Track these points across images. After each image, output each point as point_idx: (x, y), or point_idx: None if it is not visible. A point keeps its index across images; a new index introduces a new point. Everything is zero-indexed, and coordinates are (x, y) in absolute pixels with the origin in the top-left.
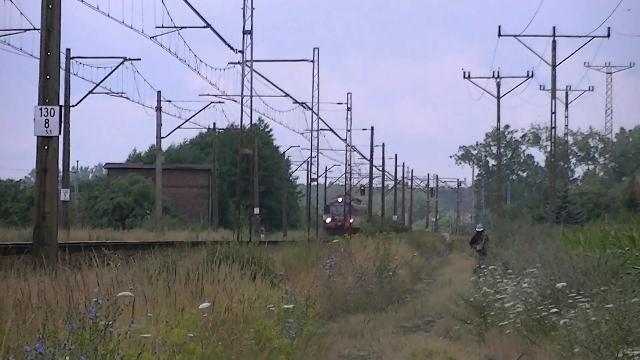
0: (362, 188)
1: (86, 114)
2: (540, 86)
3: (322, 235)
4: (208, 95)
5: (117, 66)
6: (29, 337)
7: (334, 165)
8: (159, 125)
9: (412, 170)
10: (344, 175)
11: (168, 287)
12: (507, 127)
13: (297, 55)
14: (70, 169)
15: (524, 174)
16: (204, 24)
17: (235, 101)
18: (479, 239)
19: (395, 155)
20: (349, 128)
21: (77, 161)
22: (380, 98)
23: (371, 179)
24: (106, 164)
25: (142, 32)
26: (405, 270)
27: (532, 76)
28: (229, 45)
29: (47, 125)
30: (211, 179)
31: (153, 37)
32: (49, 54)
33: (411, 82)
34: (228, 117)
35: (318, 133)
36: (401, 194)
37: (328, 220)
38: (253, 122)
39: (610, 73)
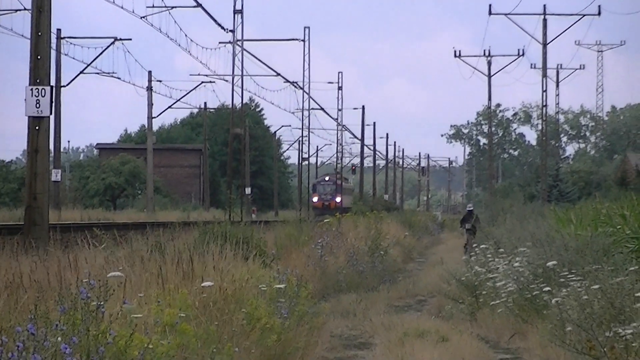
0: (354, 167)
1: (77, 94)
2: (531, 64)
3: (309, 215)
4: (199, 75)
5: (108, 46)
6: (21, 317)
7: (325, 144)
8: (150, 105)
9: (403, 150)
10: (335, 155)
11: (159, 268)
12: (498, 105)
13: (288, 34)
14: (62, 150)
15: (516, 153)
16: (195, 4)
17: (226, 81)
18: (469, 219)
19: (387, 134)
20: (340, 107)
21: (68, 141)
22: (371, 77)
23: (362, 158)
24: (97, 144)
25: (133, 12)
26: (396, 249)
27: (523, 55)
28: (219, 25)
29: (38, 105)
30: (202, 159)
31: (144, 17)
32: (39, 34)
33: (402, 61)
34: (219, 97)
35: (309, 112)
36: (392, 173)
37: (315, 199)
38: (244, 102)
39: (601, 51)
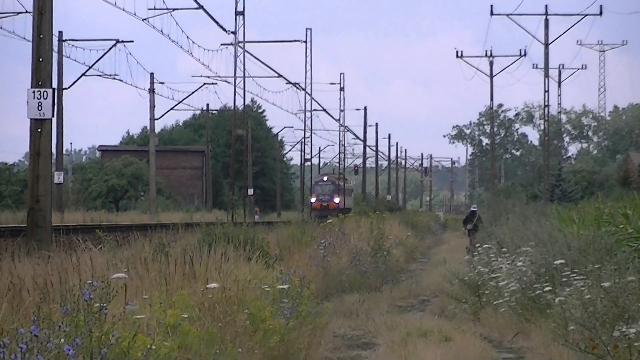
0: (356, 168)
1: (79, 96)
2: (533, 65)
3: (307, 216)
4: (201, 76)
5: (110, 48)
6: (24, 319)
7: (328, 145)
8: (152, 107)
9: (405, 150)
10: (337, 156)
11: (162, 269)
12: (500, 106)
13: (290, 36)
14: (64, 152)
15: (518, 153)
16: (196, 6)
17: (228, 82)
18: (472, 218)
19: (389, 135)
20: (342, 108)
21: (71, 144)
22: (373, 78)
23: (365, 158)
24: (99, 146)
25: (135, 14)
26: (399, 249)
27: (525, 55)
28: (221, 27)
29: (40, 108)
30: (205, 161)
31: (145, 19)
32: (41, 36)
33: (404, 62)
34: (221, 99)
35: (311, 113)
36: (395, 173)
37: (313, 200)
38: (246, 103)
39: (603, 51)
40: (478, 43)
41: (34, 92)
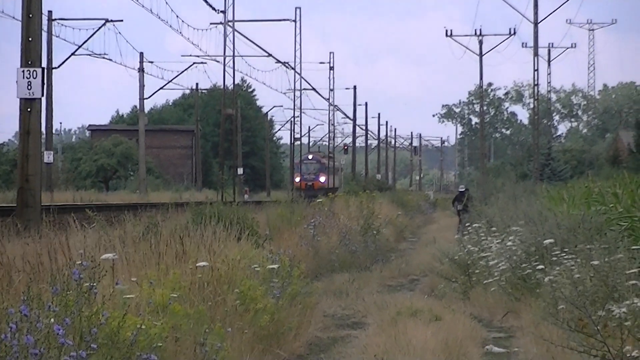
0: (346, 147)
1: (69, 76)
2: (523, 44)
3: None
4: (190, 56)
5: (99, 28)
6: (14, 299)
7: (317, 124)
8: (142, 86)
9: (395, 129)
10: (327, 135)
11: (152, 249)
12: (490, 84)
13: (279, 15)
14: (54, 131)
15: (507, 132)
16: None
17: (218, 62)
18: (461, 198)
19: (378, 114)
20: (331, 87)
21: (60, 123)
22: (362, 57)
23: (354, 138)
24: (89, 125)
25: None
26: (389, 229)
27: (515, 34)
28: (210, 6)
29: (29, 87)
30: (194, 140)
31: None
32: (30, 16)
33: (393, 41)
34: (211, 78)
35: (301, 93)
36: (384, 153)
37: (297, 179)
38: (236, 83)
39: (593, 30)
40: (467, 22)
41: (23, 71)
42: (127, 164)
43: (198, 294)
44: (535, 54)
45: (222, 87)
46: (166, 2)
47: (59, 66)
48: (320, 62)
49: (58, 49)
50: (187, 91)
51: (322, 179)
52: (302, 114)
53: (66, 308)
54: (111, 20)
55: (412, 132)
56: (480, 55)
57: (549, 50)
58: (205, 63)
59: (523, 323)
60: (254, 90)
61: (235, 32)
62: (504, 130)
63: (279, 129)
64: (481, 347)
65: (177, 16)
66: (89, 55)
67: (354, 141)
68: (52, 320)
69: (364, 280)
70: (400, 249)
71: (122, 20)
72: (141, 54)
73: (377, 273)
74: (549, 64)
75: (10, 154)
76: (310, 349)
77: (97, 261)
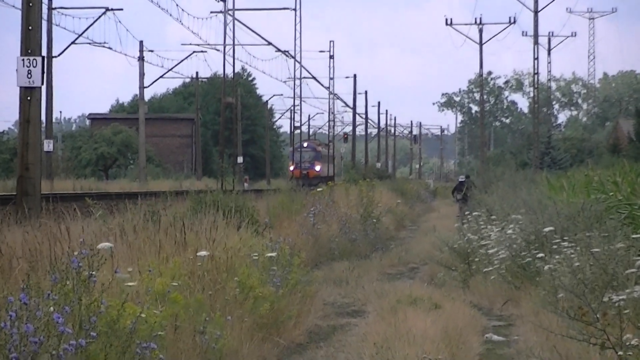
0: (346, 136)
1: (69, 64)
2: (523, 32)
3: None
4: (190, 44)
5: (99, 16)
6: (13, 287)
7: (317, 113)
8: (142, 75)
9: (395, 118)
10: (327, 123)
11: (151, 237)
12: (489, 73)
13: (280, 3)
14: (54, 120)
15: (507, 120)
16: None
17: (218, 50)
18: (461, 188)
19: (378, 102)
20: (331, 76)
21: (60, 112)
22: (362, 46)
23: (354, 126)
24: (89, 114)
25: None
26: (389, 217)
27: (515, 22)
28: None
29: (29, 76)
30: (194, 129)
31: None
32: (30, 4)
33: (393, 30)
34: (211, 67)
35: (301, 81)
36: (384, 141)
37: (292, 168)
38: (236, 71)
39: (593, 19)
40: (468, 11)
41: (23, 60)
42: (127, 153)
43: (198, 282)
44: (536, 43)
45: (222, 75)
46: None
47: (59, 55)
48: (320, 51)
49: (58, 38)
50: (187, 80)
51: (318, 167)
52: (302, 103)
53: (65, 296)
54: (111, 9)
55: (412, 121)
56: (480, 44)
57: (549, 39)
58: (206, 52)
59: (523, 311)
60: (254, 78)
61: (236, 21)
62: (504, 118)
63: (279, 118)
64: (481, 336)
65: (177, 5)
66: (89, 44)
67: (354, 130)
68: (52, 308)
69: (363, 268)
70: (400, 237)
71: (122, 9)
72: (141, 42)
73: (376, 261)
74: (549, 53)
75: (10, 142)
76: (310, 337)
77: (96, 249)
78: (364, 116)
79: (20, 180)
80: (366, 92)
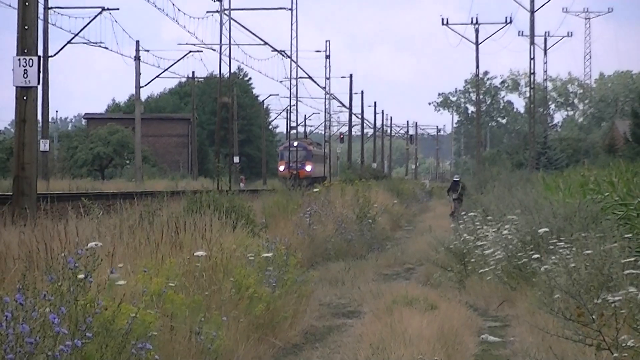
0: (342, 136)
1: (65, 64)
2: (519, 32)
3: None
4: (187, 44)
5: (96, 16)
6: (9, 288)
7: (313, 113)
8: (138, 74)
9: (391, 118)
10: (323, 124)
11: (147, 237)
12: (486, 73)
13: (276, 3)
14: (50, 120)
15: (503, 121)
16: None
17: (214, 50)
18: (456, 188)
19: (374, 102)
20: (327, 76)
21: (56, 111)
22: (358, 46)
23: (350, 126)
24: (85, 114)
25: None
26: (385, 217)
27: (511, 22)
28: None
29: (25, 75)
30: (190, 128)
31: None
32: (26, 4)
33: (389, 29)
34: (207, 66)
35: (297, 81)
36: (380, 141)
37: (281, 167)
38: (232, 71)
39: (589, 19)
40: (464, 10)
41: (19, 59)
42: (123, 153)
43: (194, 283)
44: (532, 43)
45: (218, 75)
46: None
47: (55, 54)
48: (317, 51)
49: (54, 37)
50: (184, 79)
51: (309, 167)
52: (298, 103)
53: (61, 297)
54: (107, 9)
55: (408, 121)
56: (477, 43)
57: (545, 39)
58: (202, 51)
59: (518, 312)
60: (250, 78)
61: (232, 21)
62: (500, 119)
63: (275, 118)
64: (477, 336)
65: (174, 4)
66: (86, 43)
67: (350, 130)
68: (48, 309)
69: (359, 268)
70: (396, 237)
71: (118, 9)
72: (137, 42)
73: (372, 262)
74: (545, 53)
75: (6, 142)
76: (306, 337)
77: (91, 250)
78: (360, 116)
79: (17, 180)
80: (362, 92)
